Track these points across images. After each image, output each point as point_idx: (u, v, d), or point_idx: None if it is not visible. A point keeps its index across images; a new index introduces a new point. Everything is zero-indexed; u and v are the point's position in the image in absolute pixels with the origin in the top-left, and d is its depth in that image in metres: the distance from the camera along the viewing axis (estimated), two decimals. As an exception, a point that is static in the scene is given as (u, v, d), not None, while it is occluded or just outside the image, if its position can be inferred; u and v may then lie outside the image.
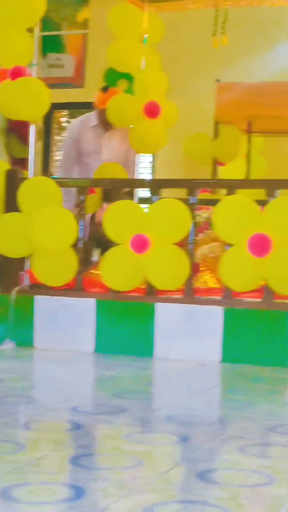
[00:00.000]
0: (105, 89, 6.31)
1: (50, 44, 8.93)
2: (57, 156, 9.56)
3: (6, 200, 5.00)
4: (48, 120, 8.80)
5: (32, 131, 5.15)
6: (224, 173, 7.84)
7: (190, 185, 4.93)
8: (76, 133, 6.43)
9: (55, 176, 6.51)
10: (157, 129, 6.19)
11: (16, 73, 5.07)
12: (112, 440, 2.90)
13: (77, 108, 9.54)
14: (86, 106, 9.06)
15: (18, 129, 5.65)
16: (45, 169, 8.36)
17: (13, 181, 5.00)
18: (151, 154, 8.24)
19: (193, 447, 2.83)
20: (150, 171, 8.76)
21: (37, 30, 5.17)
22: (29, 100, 5.02)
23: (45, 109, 5.13)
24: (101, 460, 2.63)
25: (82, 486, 2.34)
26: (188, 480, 2.44)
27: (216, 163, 7.77)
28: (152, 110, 6.08)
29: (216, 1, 6.68)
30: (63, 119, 9.70)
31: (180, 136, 7.37)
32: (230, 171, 7.74)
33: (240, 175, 7.61)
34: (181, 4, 6.66)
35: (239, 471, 2.52)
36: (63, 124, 9.87)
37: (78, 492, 2.28)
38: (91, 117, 6.45)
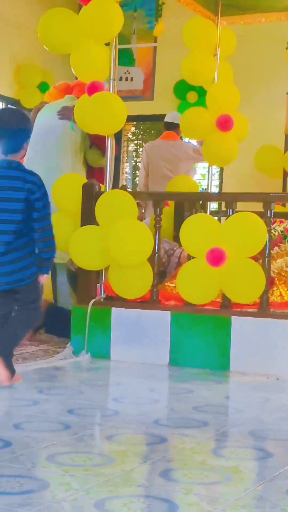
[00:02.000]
0: None
1: (120, 58, 9.00)
2: (126, 168, 9.65)
3: (83, 213, 5.05)
4: (118, 132, 8.89)
5: (110, 144, 5.19)
6: (294, 185, 7.83)
7: (266, 199, 4.91)
8: None
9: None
10: (229, 142, 6.21)
11: (93, 88, 5.12)
12: (199, 455, 2.92)
13: (145, 120, 9.62)
14: (154, 119, 9.13)
15: (97, 140, 5.72)
16: (115, 181, 8.43)
17: (91, 194, 5.05)
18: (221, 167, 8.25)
19: (280, 463, 2.83)
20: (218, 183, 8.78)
21: (114, 44, 5.20)
22: (106, 115, 5.07)
23: (121, 123, 5.18)
24: (190, 474, 2.64)
25: (174, 501, 2.36)
26: (279, 497, 2.44)
27: (286, 175, 7.75)
28: (225, 123, 6.09)
29: (288, 14, 6.70)
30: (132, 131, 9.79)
31: (249, 148, 7.36)
32: (301, 183, 7.72)
33: (311, 188, 7.58)
34: (253, 18, 6.68)
35: None
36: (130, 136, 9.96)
37: (171, 506, 2.31)
38: None
